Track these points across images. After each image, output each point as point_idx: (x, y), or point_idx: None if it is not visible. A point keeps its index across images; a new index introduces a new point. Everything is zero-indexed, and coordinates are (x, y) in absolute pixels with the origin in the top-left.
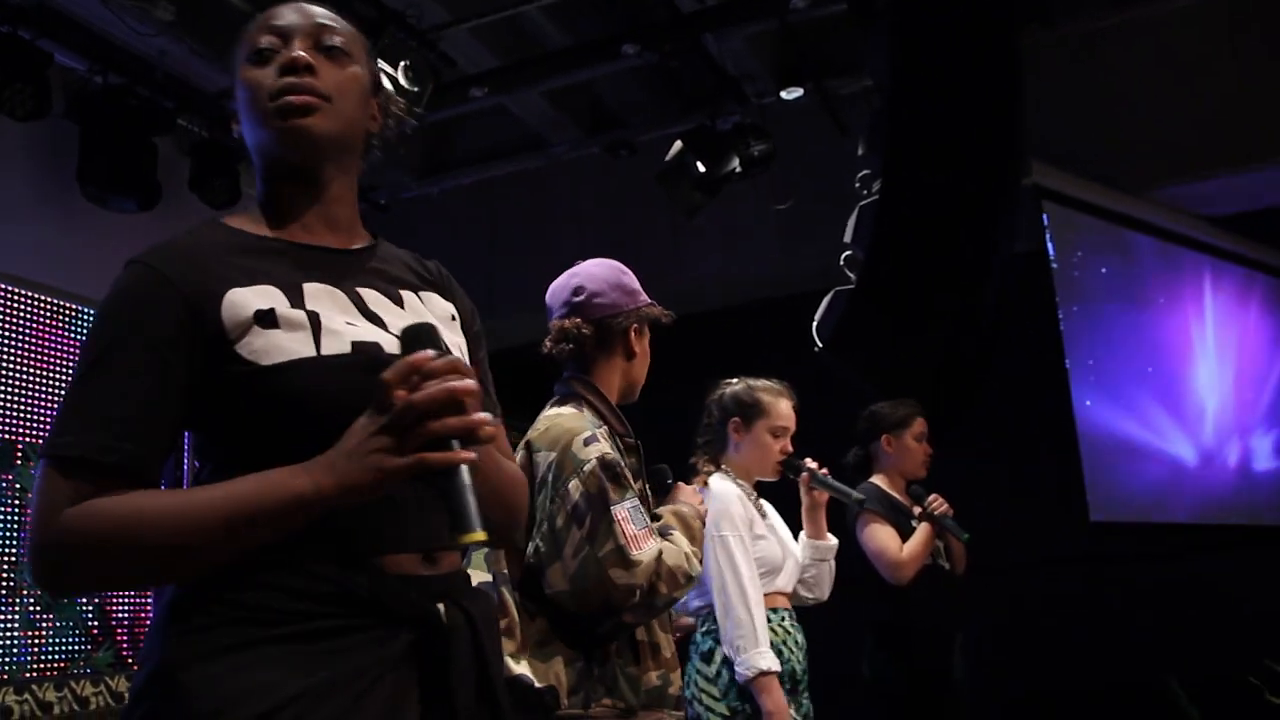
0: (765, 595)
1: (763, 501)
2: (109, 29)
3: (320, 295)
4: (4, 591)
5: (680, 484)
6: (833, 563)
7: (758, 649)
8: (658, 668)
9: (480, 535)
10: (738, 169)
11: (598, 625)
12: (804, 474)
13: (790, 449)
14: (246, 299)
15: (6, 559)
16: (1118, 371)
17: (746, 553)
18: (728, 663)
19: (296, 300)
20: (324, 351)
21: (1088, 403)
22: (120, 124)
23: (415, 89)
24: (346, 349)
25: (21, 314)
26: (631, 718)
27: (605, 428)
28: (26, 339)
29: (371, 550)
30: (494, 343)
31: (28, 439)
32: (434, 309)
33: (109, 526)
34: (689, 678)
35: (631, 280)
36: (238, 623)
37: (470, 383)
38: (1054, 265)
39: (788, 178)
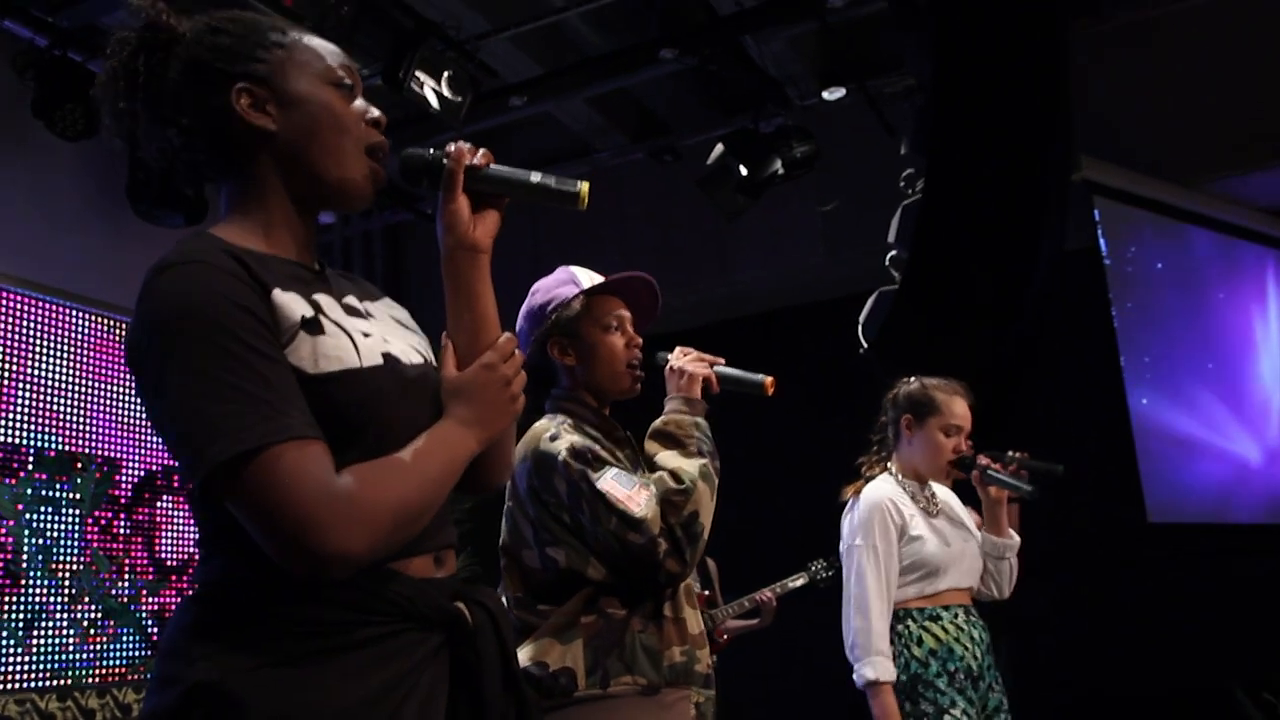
0: (934, 594)
1: (942, 495)
2: None
3: (331, 306)
4: (65, 599)
5: (669, 366)
6: (1014, 560)
7: (869, 658)
8: (682, 644)
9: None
10: (780, 171)
11: (655, 584)
12: (974, 471)
13: (964, 448)
14: (289, 303)
15: (66, 567)
16: (1175, 368)
17: (877, 562)
18: (902, 663)
19: (318, 310)
20: (364, 364)
21: (1144, 401)
22: None
23: (457, 99)
24: (379, 361)
25: (76, 328)
26: (655, 695)
27: (570, 421)
28: (81, 352)
29: (395, 556)
30: None
31: (85, 450)
32: (398, 314)
33: (387, 487)
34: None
35: (535, 302)
36: (285, 636)
37: None
38: (1106, 262)
39: (832, 179)
